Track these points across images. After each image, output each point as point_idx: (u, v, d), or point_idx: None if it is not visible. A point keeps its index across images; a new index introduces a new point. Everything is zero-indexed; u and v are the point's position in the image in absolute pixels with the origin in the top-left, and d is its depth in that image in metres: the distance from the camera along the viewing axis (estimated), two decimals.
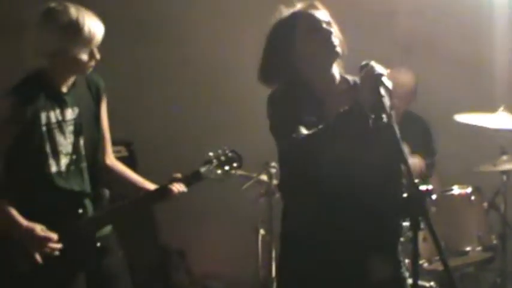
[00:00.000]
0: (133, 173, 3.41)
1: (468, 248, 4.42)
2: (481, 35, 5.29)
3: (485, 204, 4.59)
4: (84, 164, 3.16)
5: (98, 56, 3.10)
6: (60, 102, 3.11)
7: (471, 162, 4.68)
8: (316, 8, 2.92)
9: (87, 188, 3.17)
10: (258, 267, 4.69)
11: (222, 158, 3.35)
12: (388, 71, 2.66)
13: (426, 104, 5.03)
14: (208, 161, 3.34)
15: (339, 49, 2.83)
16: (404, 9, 5.36)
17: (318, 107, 2.79)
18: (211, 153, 3.34)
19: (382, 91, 2.56)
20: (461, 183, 4.59)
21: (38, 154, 3.06)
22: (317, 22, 2.85)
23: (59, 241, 3.05)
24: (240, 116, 5.46)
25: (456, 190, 4.55)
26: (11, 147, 3.03)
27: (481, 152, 4.84)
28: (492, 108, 4.62)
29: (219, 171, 3.33)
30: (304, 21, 2.86)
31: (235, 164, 3.37)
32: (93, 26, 3.06)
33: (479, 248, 4.44)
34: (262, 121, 5.23)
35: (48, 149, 3.07)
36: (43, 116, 3.06)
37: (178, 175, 3.30)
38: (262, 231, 4.65)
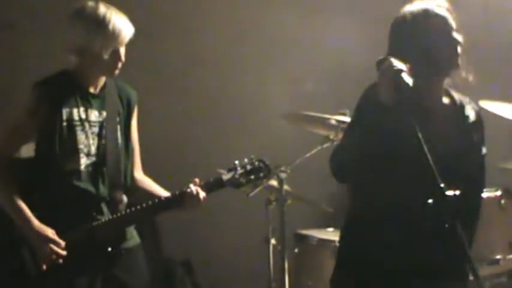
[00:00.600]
0: (161, 188, 3.43)
1: (499, 256, 4.26)
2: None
3: None
4: (105, 169, 3.23)
5: (123, 58, 3.21)
6: (86, 102, 3.23)
7: (499, 159, 4.55)
8: (446, 9, 2.81)
9: (105, 192, 3.23)
10: (269, 280, 4.56)
11: (248, 166, 3.32)
12: (408, 66, 2.58)
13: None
14: (233, 168, 3.32)
15: (459, 62, 2.75)
16: None
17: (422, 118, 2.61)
18: (236, 161, 3.32)
19: (403, 89, 2.49)
20: (489, 184, 4.35)
21: (56, 149, 3.15)
22: (450, 27, 2.76)
23: (69, 244, 3.13)
24: (248, 117, 5.43)
25: (485, 193, 4.29)
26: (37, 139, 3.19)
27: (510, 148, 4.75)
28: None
29: (243, 180, 3.31)
30: (436, 21, 2.76)
31: (262, 174, 3.35)
32: (120, 24, 3.17)
33: (510, 256, 4.27)
34: (272, 123, 5.22)
35: (67, 145, 3.17)
36: (65, 111, 3.17)
37: (197, 180, 3.28)
38: (273, 241, 4.54)
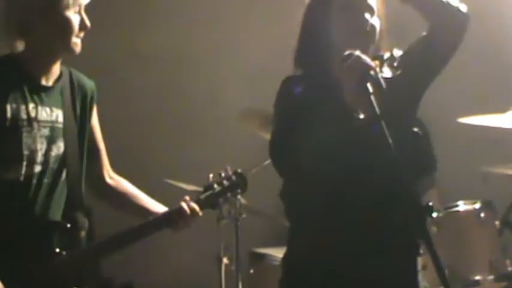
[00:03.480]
0: (142, 193, 3.31)
1: (478, 277, 4.32)
2: (491, 19, 5.23)
3: (498, 223, 4.47)
4: (49, 181, 2.97)
5: (88, 23, 3.01)
6: (37, 97, 2.97)
7: (479, 171, 4.64)
8: None
9: (54, 214, 2.99)
10: None
11: (225, 183, 3.27)
12: (377, 62, 2.62)
13: (423, 102, 4.97)
14: (209, 187, 3.25)
15: (373, 32, 2.76)
16: None
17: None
18: (211, 176, 3.27)
19: (370, 87, 2.49)
20: (468, 197, 4.51)
21: None
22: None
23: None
24: (199, 118, 5.59)
25: (462, 206, 4.47)
26: None
27: (490, 159, 4.75)
28: (502, 108, 4.51)
29: (221, 200, 3.28)
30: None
31: (239, 190, 3.32)
32: None
33: (491, 277, 4.33)
34: (226, 124, 5.21)
35: (9, 151, 2.90)
36: (9, 108, 2.91)
37: (188, 198, 3.20)
38: (225, 260, 4.53)
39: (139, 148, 5.44)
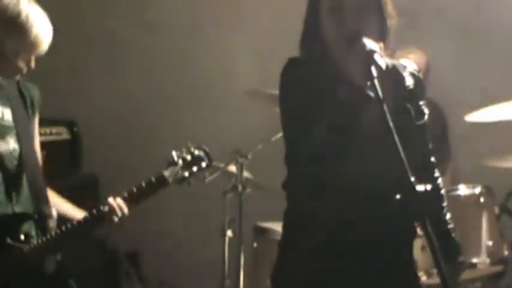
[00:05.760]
0: (62, 201, 3.29)
1: (475, 260, 4.37)
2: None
3: (497, 208, 4.52)
4: (24, 178, 3.07)
5: (33, 65, 3.02)
6: None
7: (482, 156, 4.65)
8: None
9: (28, 207, 3.07)
10: (223, 277, 4.63)
11: (188, 157, 3.29)
12: (381, 45, 2.66)
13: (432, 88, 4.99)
14: (172, 162, 3.27)
15: (355, 31, 2.69)
16: None
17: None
18: (174, 153, 3.28)
19: (374, 71, 2.54)
20: (469, 181, 4.53)
21: None
22: None
23: None
24: (206, 93, 5.49)
25: (463, 190, 4.49)
26: None
27: (493, 146, 4.82)
28: (507, 96, 4.53)
29: (186, 174, 3.28)
30: None
31: (203, 164, 3.32)
32: (42, 31, 2.98)
33: (488, 260, 4.38)
34: (234, 100, 5.27)
35: None
36: None
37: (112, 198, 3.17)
38: (229, 233, 4.58)
39: (148, 120, 5.45)
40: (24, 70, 3.04)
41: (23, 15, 2.96)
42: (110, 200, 3.14)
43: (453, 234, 2.93)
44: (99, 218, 3.14)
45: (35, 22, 2.97)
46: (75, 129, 5.12)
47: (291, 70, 2.82)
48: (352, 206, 2.76)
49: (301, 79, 2.77)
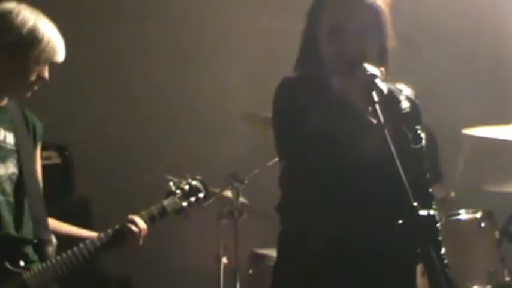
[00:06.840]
0: (62, 224, 3.31)
1: (476, 286, 4.36)
2: (500, 25, 5.32)
3: (497, 233, 4.51)
4: (25, 202, 3.07)
5: (46, 76, 3.06)
6: None
7: (481, 181, 4.73)
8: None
9: (22, 232, 3.06)
10: None
11: (186, 187, 3.36)
12: (382, 69, 2.67)
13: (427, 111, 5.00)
14: (171, 193, 3.34)
15: (356, 54, 2.69)
16: None
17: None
18: (171, 183, 3.35)
19: (375, 96, 2.55)
20: (470, 206, 4.53)
21: None
22: (343, 17, 2.73)
23: None
24: (202, 117, 5.53)
25: (463, 215, 4.49)
26: None
27: (493, 170, 4.85)
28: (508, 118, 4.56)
29: (184, 204, 3.36)
30: (330, 12, 2.75)
31: (201, 195, 3.42)
32: (54, 38, 3.03)
33: (488, 287, 4.37)
34: (230, 124, 5.26)
35: None
36: None
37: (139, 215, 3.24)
38: (224, 260, 4.58)
39: (142, 143, 5.44)
40: (36, 86, 3.06)
41: (37, 26, 3.01)
42: (135, 217, 3.20)
43: (447, 270, 2.87)
44: (121, 235, 3.17)
45: (46, 30, 3.02)
46: (67, 153, 5.10)
47: (285, 89, 2.81)
48: (350, 230, 2.74)
49: (294, 98, 2.77)
